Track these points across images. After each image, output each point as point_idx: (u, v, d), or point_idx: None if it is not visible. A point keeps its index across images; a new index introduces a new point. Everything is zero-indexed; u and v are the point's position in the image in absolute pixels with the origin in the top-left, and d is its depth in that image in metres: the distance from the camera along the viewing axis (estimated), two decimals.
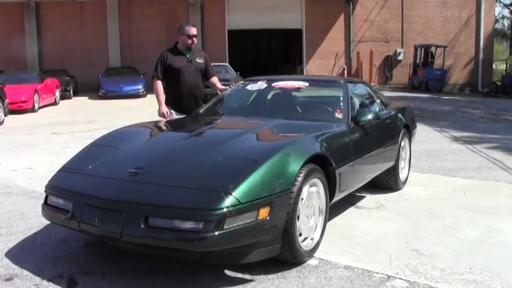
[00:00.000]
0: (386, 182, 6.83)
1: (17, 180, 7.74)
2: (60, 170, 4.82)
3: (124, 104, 21.98)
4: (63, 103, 23.05)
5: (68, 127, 14.57)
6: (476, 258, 4.61)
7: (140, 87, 25.08)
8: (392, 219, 5.76)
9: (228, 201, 3.75)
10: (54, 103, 22.19)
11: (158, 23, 30.47)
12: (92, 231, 4.07)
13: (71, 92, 25.72)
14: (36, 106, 19.60)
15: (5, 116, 16.36)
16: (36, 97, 19.59)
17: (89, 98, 25.31)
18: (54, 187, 4.55)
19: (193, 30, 6.91)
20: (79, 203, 4.18)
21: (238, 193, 3.82)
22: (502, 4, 49.48)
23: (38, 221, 5.54)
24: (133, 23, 31.20)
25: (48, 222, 4.91)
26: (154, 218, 3.83)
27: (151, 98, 7.16)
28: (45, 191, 4.62)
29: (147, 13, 30.94)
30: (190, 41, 6.88)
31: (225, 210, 3.71)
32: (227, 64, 27.12)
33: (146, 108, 17.57)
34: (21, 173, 8.30)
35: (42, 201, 4.63)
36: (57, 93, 22.74)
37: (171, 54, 6.94)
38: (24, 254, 4.74)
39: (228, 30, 31.66)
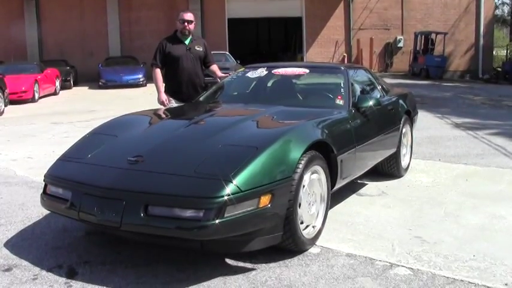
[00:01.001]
0: (388, 169, 6.79)
1: (17, 170, 7.70)
2: (59, 159, 4.77)
3: (124, 94, 21.92)
4: (64, 93, 22.99)
5: (68, 117, 14.52)
6: (480, 245, 4.57)
7: (140, 76, 25.03)
8: (395, 207, 5.72)
9: (229, 189, 3.71)
10: (55, 93, 22.14)
11: (158, 12, 30.34)
12: (91, 221, 4.03)
13: (71, 82, 25.63)
14: (37, 96, 19.55)
15: (5, 106, 16.31)
16: (36, 87, 19.53)
17: (89, 88, 25.27)
18: (53, 176, 4.50)
19: (187, 16, 6.85)
20: (78, 192, 4.13)
21: (238, 181, 3.77)
22: None
23: (37, 211, 5.51)
24: (133, 12, 31.09)
25: (48, 212, 4.87)
26: (154, 206, 3.78)
27: (151, 87, 7.14)
28: (44, 180, 4.58)
29: (146, 2, 30.82)
30: (182, 26, 6.84)
31: (225, 198, 3.66)
32: (227, 52, 27.03)
33: (146, 97, 17.51)
34: (21, 163, 8.26)
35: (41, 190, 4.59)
36: (57, 83, 22.68)
37: (170, 42, 6.91)
38: (23, 244, 4.70)
39: (228, 19, 31.56)
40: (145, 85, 23.98)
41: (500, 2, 50.40)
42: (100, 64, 26.68)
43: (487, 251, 4.42)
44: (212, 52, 7.43)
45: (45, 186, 4.53)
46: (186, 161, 4.12)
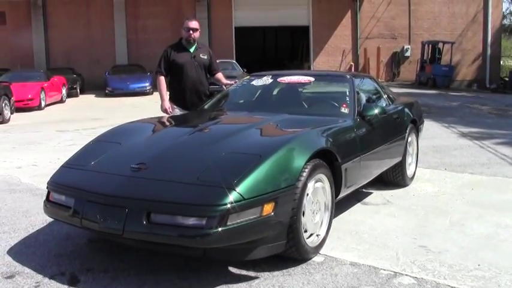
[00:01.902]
0: (394, 178, 6.76)
1: (22, 178, 7.71)
2: (63, 166, 4.77)
3: (130, 102, 21.97)
4: (70, 101, 23.09)
5: (74, 125, 14.56)
6: (485, 254, 4.53)
7: (147, 84, 25.10)
8: (400, 216, 5.69)
9: (232, 196, 3.68)
10: (61, 101, 22.23)
11: (164, 20, 30.43)
12: (93, 228, 4.01)
13: (78, 90, 25.74)
14: (43, 104, 19.62)
15: (11, 113, 16.36)
16: (42, 95, 19.61)
17: (95, 96, 25.36)
18: (56, 183, 4.49)
19: (192, 24, 6.84)
20: (81, 199, 4.12)
21: (242, 188, 3.75)
22: (509, 0, 49.41)
23: (41, 218, 5.50)
24: (140, 21, 31.20)
25: (52, 219, 4.86)
26: (156, 214, 3.76)
27: (158, 95, 7.13)
28: (47, 188, 4.57)
29: (153, 10, 30.93)
30: (187, 34, 6.84)
31: (228, 206, 3.64)
32: (233, 61, 27.09)
33: (153, 106, 17.47)
34: (25, 170, 8.27)
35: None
36: (64, 91, 22.78)
37: (175, 50, 6.90)
38: (27, 251, 4.69)
39: (235, 27, 31.65)
40: (152, 93, 24.03)
41: (508, 11, 50.41)
42: (107, 72, 26.79)
43: (492, 260, 4.39)
44: (219, 60, 7.45)
45: (48, 193, 4.52)
46: (189, 168, 4.11)
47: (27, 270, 4.26)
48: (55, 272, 4.21)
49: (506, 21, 47.04)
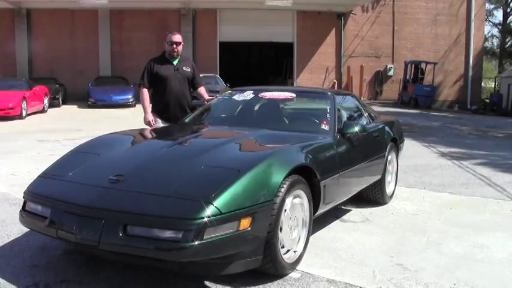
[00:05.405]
0: (373, 196, 6.78)
1: None
2: (40, 176, 4.72)
3: (113, 113, 21.87)
4: (52, 111, 22.90)
5: (55, 135, 14.44)
6: (461, 273, 4.55)
7: (130, 96, 24.99)
8: (378, 233, 5.70)
9: (209, 210, 3.67)
10: (43, 111, 22.02)
11: (149, 33, 30.34)
12: (69, 239, 3.96)
13: (60, 100, 25.52)
14: (24, 113, 19.43)
15: None
16: (24, 104, 19.42)
17: (78, 107, 25.19)
18: (33, 193, 4.45)
19: (176, 38, 6.86)
20: (57, 210, 4.08)
21: (219, 203, 3.74)
22: (491, 23, 50.15)
23: (17, 228, 5.44)
24: (125, 33, 31.11)
25: (28, 229, 4.81)
26: (132, 226, 3.73)
27: (140, 107, 7.11)
28: (23, 197, 4.52)
29: (138, 23, 30.87)
30: (171, 48, 6.85)
31: (205, 219, 3.62)
32: (217, 75, 27.12)
33: (135, 118, 17.44)
34: (3, 180, 8.18)
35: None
36: (46, 101, 22.56)
37: (158, 62, 6.91)
38: (1, 261, 4.63)
39: (220, 42, 31.70)
40: (135, 105, 23.98)
41: (489, 34, 51.11)
42: (90, 83, 26.64)
43: (468, 279, 4.41)
44: (202, 75, 7.43)
45: (25, 203, 4.47)
46: (167, 181, 4.09)
47: (0, 280, 4.20)
48: (29, 282, 4.16)
49: (488, 44, 47.65)
